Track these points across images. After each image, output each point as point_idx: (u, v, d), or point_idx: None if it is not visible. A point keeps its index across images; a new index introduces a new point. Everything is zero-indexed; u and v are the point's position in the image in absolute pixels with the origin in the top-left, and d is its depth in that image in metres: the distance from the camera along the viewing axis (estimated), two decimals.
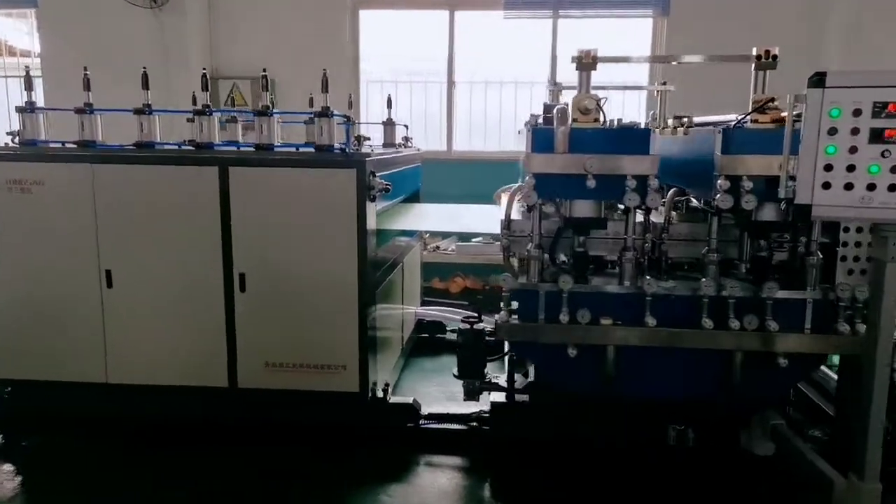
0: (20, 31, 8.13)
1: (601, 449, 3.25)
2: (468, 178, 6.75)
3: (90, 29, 6.81)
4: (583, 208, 2.86)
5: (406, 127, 4.95)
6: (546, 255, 3.00)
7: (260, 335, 3.30)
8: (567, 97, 5.68)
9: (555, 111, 2.76)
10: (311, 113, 3.24)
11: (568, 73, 6.65)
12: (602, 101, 2.87)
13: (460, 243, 6.60)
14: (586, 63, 2.91)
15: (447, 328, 5.12)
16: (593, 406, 3.17)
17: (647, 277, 2.80)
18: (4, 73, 7.62)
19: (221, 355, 3.31)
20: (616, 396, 2.99)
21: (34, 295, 3.35)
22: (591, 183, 2.68)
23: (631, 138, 2.73)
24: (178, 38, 6.62)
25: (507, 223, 3.20)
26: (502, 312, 2.92)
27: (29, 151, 3.27)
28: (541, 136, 2.78)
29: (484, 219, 4.32)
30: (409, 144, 4.82)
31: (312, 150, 3.29)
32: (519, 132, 5.02)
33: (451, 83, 7.04)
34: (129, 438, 3.37)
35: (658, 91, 4.25)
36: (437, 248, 6.59)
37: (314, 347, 3.28)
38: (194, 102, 4.85)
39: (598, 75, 2.91)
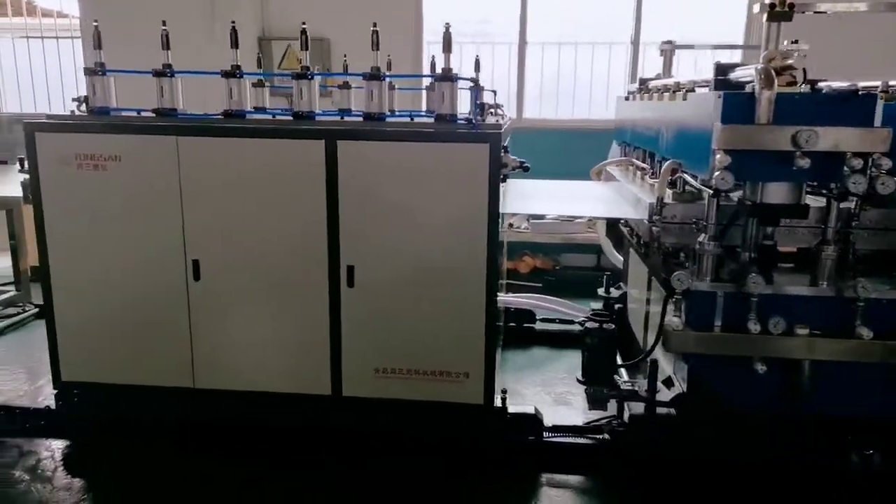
0: None
1: (763, 472, 2.80)
2: (543, 149, 6.17)
3: None
4: (779, 192, 2.34)
5: (494, 93, 4.41)
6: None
7: (369, 337, 2.85)
8: (684, 57, 5.08)
9: (755, 71, 2.22)
10: (432, 76, 2.72)
11: (651, 33, 6.05)
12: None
13: (534, 221, 6.09)
14: (779, 12, 2.37)
15: (536, 318, 4.66)
16: (756, 423, 2.71)
17: (861, 280, 2.29)
18: (42, 34, 7.14)
19: (324, 359, 2.87)
20: (791, 414, 2.53)
21: (109, 288, 2.92)
22: (804, 162, 2.16)
23: (853, 106, 2.20)
24: None
25: (660, 207, 2.70)
26: (675, 319, 2.43)
27: (105, 122, 2.80)
28: (734, 104, 2.25)
29: (593, 200, 3.81)
30: (500, 112, 4.28)
31: (430, 119, 2.79)
32: (627, 98, 4.47)
33: (522, 43, 6.43)
34: (216, 449, 2.98)
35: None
36: (511, 225, 6.09)
37: (432, 352, 2.83)
38: (259, 65, 4.36)
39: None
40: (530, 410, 3.05)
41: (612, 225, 4.78)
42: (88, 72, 2.84)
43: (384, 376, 2.86)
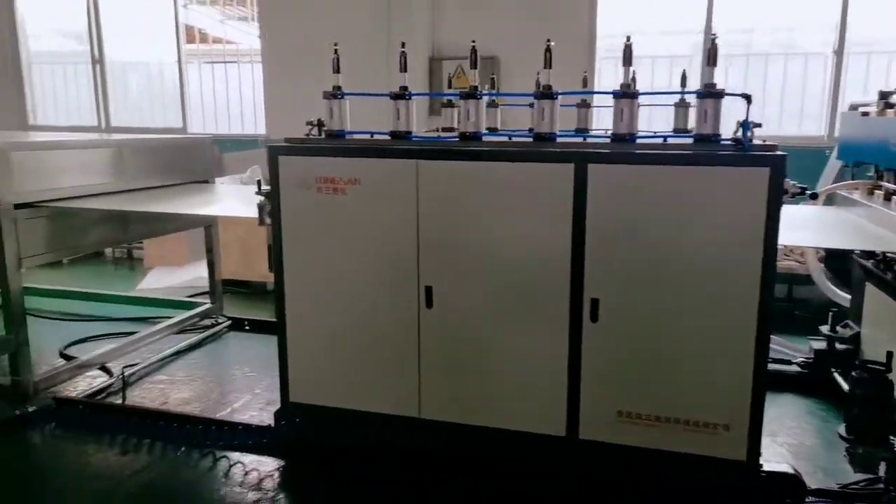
0: (210, 17, 8.12)
1: None
2: None
3: (312, 9, 6.57)
4: None
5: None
6: None
7: (613, 377, 2.61)
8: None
9: None
10: (698, 92, 2.46)
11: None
12: None
13: None
14: None
15: None
16: None
17: None
18: (225, 59, 7.66)
19: (561, 398, 2.66)
20: None
21: (341, 312, 2.89)
22: None
23: None
24: (404, 16, 6.17)
25: None
26: None
27: (347, 145, 2.79)
28: None
29: (827, 226, 3.35)
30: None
31: (688, 140, 2.53)
32: (864, 113, 3.96)
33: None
34: (436, 481, 2.85)
35: None
36: None
37: (686, 397, 2.54)
38: (449, 85, 4.29)
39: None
40: (788, 470, 2.67)
41: (838, 255, 4.26)
42: (328, 95, 2.84)
43: (628, 421, 2.60)
